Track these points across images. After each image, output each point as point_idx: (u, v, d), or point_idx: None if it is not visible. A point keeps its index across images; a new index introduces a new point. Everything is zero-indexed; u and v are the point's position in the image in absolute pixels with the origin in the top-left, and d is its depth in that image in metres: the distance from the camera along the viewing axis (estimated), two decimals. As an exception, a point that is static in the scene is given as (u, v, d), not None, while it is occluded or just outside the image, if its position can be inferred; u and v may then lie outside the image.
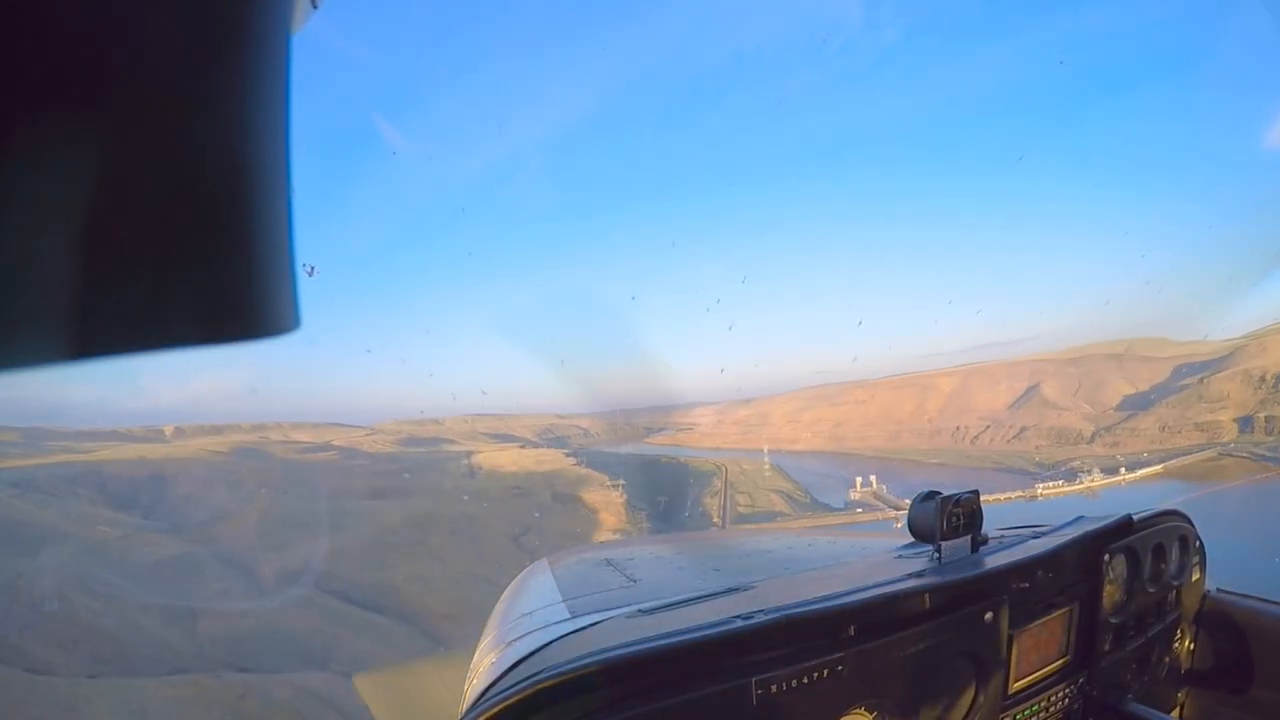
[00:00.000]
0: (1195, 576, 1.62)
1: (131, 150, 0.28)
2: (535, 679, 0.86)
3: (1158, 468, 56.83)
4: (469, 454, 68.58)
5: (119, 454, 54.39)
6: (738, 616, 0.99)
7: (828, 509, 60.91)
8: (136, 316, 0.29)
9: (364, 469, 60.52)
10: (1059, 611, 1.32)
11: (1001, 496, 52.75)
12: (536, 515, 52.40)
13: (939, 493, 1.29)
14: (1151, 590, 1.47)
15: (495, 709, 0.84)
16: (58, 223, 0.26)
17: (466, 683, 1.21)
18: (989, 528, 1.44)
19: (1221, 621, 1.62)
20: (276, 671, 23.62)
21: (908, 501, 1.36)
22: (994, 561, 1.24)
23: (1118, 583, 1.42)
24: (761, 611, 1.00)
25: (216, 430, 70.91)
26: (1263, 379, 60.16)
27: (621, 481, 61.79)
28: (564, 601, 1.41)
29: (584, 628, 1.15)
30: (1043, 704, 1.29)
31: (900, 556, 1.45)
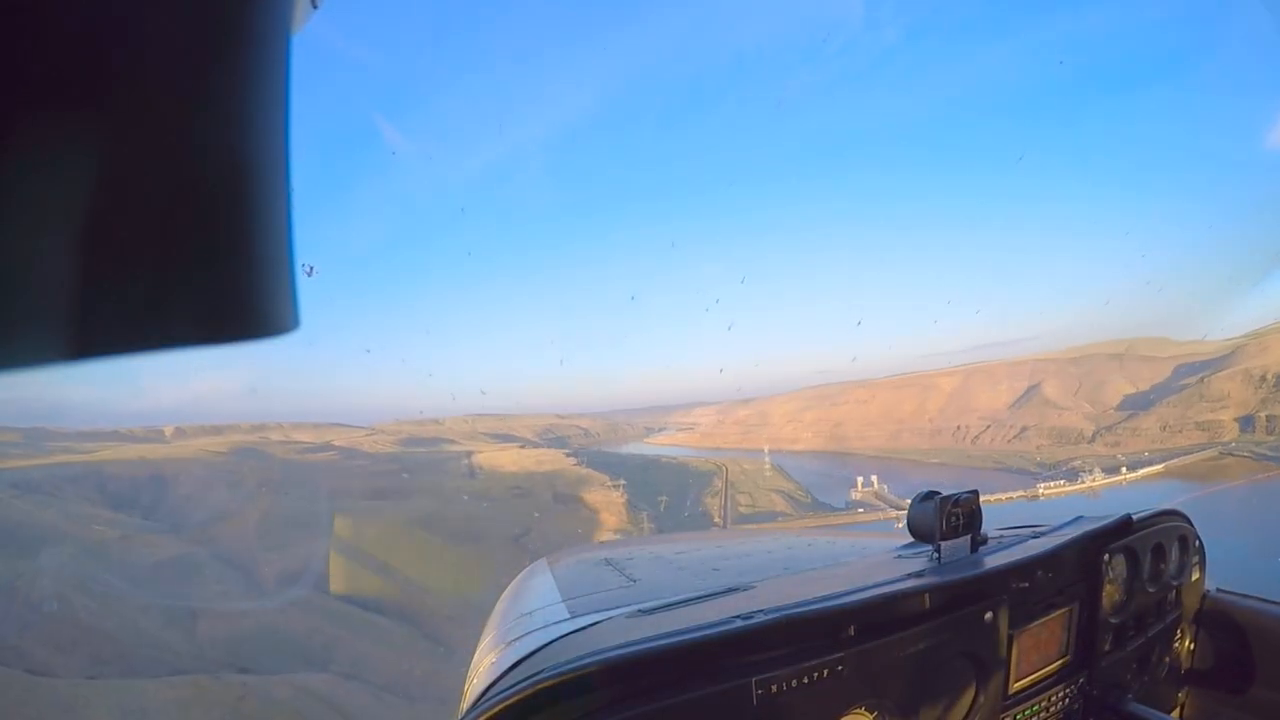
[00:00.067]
0: (1195, 576, 1.62)
1: (131, 150, 0.28)
2: (535, 679, 0.86)
3: (1159, 467, 56.84)
4: (469, 454, 68.63)
5: (119, 454, 54.43)
6: (738, 616, 0.99)
7: (829, 509, 60.94)
8: (136, 316, 0.29)
9: (364, 469, 60.54)
10: (1059, 611, 1.32)
11: (1003, 496, 52.76)
12: (536, 515, 52.41)
13: (938, 493, 1.29)
14: (1151, 590, 1.47)
15: (495, 709, 0.84)
16: (58, 223, 0.26)
17: (466, 683, 1.21)
18: (990, 528, 1.44)
19: (1221, 621, 1.62)
20: (276, 672, 23.64)
21: (909, 501, 1.36)
22: (994, 561, 1.24)
23: (1117, 583, 1.42)
24: (761, 611, 1.00)
25: (217, 430, 71.00)
26: (1264, 378, 60.14)
27: (622, 481, 61.82)
28: (564, 601, 1.41)
29: (584, 628, 1.15)
30: (1043, 704, 1.29)
31: (900, 556, 1.45)
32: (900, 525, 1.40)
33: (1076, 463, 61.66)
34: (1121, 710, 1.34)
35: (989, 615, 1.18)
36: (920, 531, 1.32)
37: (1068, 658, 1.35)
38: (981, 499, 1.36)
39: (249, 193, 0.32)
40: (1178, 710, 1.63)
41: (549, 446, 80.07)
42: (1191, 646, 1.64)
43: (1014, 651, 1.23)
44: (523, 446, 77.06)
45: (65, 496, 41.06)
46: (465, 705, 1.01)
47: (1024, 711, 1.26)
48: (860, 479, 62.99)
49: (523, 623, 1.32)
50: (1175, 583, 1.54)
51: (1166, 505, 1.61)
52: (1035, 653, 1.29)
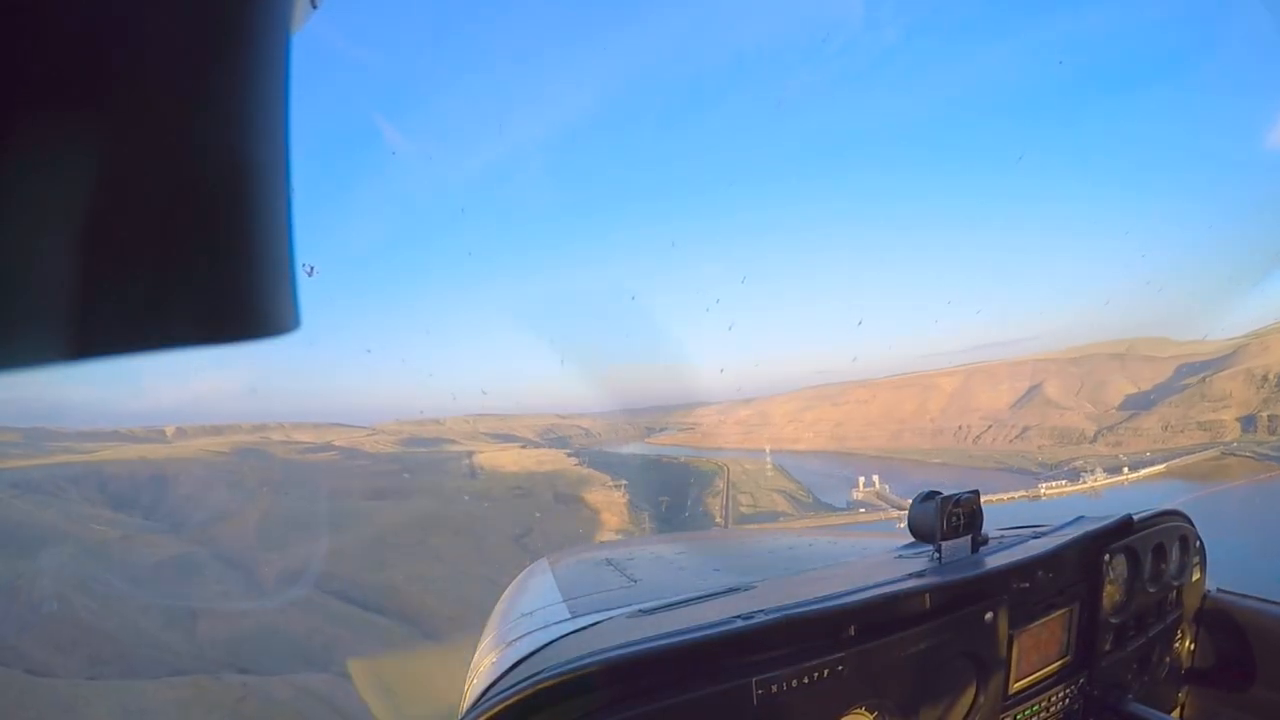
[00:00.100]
0: (1195, 576, 1.62)
1: (131, 150, 0.28)
2: (535, 679, 0.86)
3: (1161, 467, 56.73)
4: (470, 454, 68.65)
5: (119, 454, 54.49)
6: (738, 616, 0.99)
7: (830, 509, 60.88)
8: (136, 316, 0.29)
9: (365, 469, 60.59)
10: (1059, 612, 1.32)
11: (1004, 496, 52.67)
12: (538, 516, 52.41)
13: (939, 493, 1.29)
14: (1152, 590, 1.47)
15: (495, 709, 0.84)
16: (58, 223, 0.26)
17: (466, 683, 1.21)
18: (991, 528, 1.44)
19: (1222, 621, 1.62)
20: (277, 673, 23.64)
21: (910, 501, 1.36)
22: (994, 561, 1.24)
23: (1118, 583, 1.42)
24: (762, 611, 1.00)
25: (217, 430, 71.02)
26: (1265, 378, 60.05)
27: (623, 482, 61.81)
28: (564, 601, 1.41)
29: (584, 628, 1.15)
30: (1043, 704, 1.29)
31: (900, 556, 1.45)
32: (902, 525, 1.40)
33: (1078, 463, 61.56)
34: (1122, 710, 1.34)
35: (989, 615, 1.18)
36: (921, 531, 1.32)
37: (1068, 658, 1.34)
38: (983, 499, 1.36)
39: (249, 193, 0.32)
40: (1178, 710, 1.63)
41: (550, 446, 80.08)
42: (1192, 646, 1.63)
43: (1014, 651, 1.23)
44: (524, 446, 77.08)
45: (65, 496, 41.11)
46: (465, 705, 1.01)
47: (1024, 711, 1.26)
48: (862, 479, 62.92)
49: (523, 623, 1.32)
50: (1176, 583, 1.54)
51: (1167, 505, 1.60)
52: (1035, 653, 1.29)
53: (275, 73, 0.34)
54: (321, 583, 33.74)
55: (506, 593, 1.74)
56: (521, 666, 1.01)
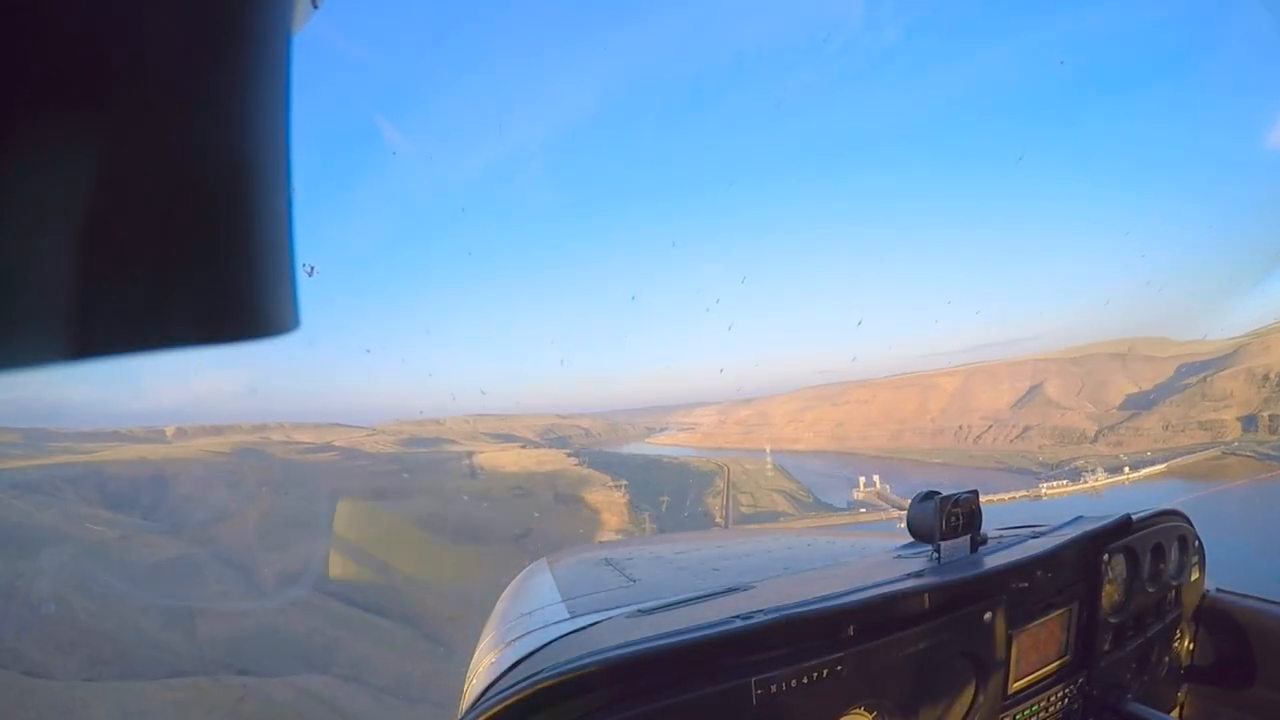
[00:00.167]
0: (1194, 576, 1.62)
1: (131, 150, 0.28)
2: (535, 679, 0.86)
3: (1161, 467, 56.72)
4: (470, 454, 68.64)
5: (119, 455, 54.49)
6: (737, 616, 0.99)
7: (831, 509, 60.88)
8: (136, 316, 0.29)
9: (365, 469, 60.58)
10: (1058, 611, 1.32)
11: (1005, 496, 52.65)
12: (537, 515, 52.40)
13: (938, 492, 1.29)
14: (1151, 590, 1.47)
15: (495, 709, 0.84)
16: (58, 223, 0.26)
17: (466, 683, 1.21)
18: (992, 527, 1.44)
19: (1221, 621, 1.62)
20: (276, 674, 23.62)
21: (910, 501, 1.36)
22: (993, 561, 1.24)
23: (1117, 582, 1.42)
24: (761, 611, 1.00)
25: (217, 431, 71.06)
26: (1266, 377, 60.03)
27: (624, 482, 61.80)
28: (564, 601, 1.41)
29: (584, 628, 1.15)
30: (1042, 704, 1.29)
31: (899, 556, 1.45)
32: (902, 525, 1.40)
33: (1079, 462, 61.55)
34: (1121, 710, 1.34)
35: (989, 615, 1.18)
36: (920, 531, 1.32)
37: (1067, 658, 1.34)
38: (984, 499, 1.36)
39: (249, 193, 0.32)
40: (1177, 710, 1.63)
41: (550, 446, 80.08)
42: (1191, 646, 1.63)
43: (1014, 651, 1.23)
44: (524, 446, 77.07)
45: (65, 497, 41.11)
46: (465, 705, 1.01)
47: (1024, 711, 1.26)
48: (862, 479, 62.92)
49: (523, 623, 1.32)
50: (1175, 582, 1.54)
51: (1166, 505, 1.60)
52: (1035, 652, 1.29)
53: (276, 73, 0.34)
54: (321, 583, 33.73)
55: (506, 593, 1.74)
56: (521, 666, 1.01)
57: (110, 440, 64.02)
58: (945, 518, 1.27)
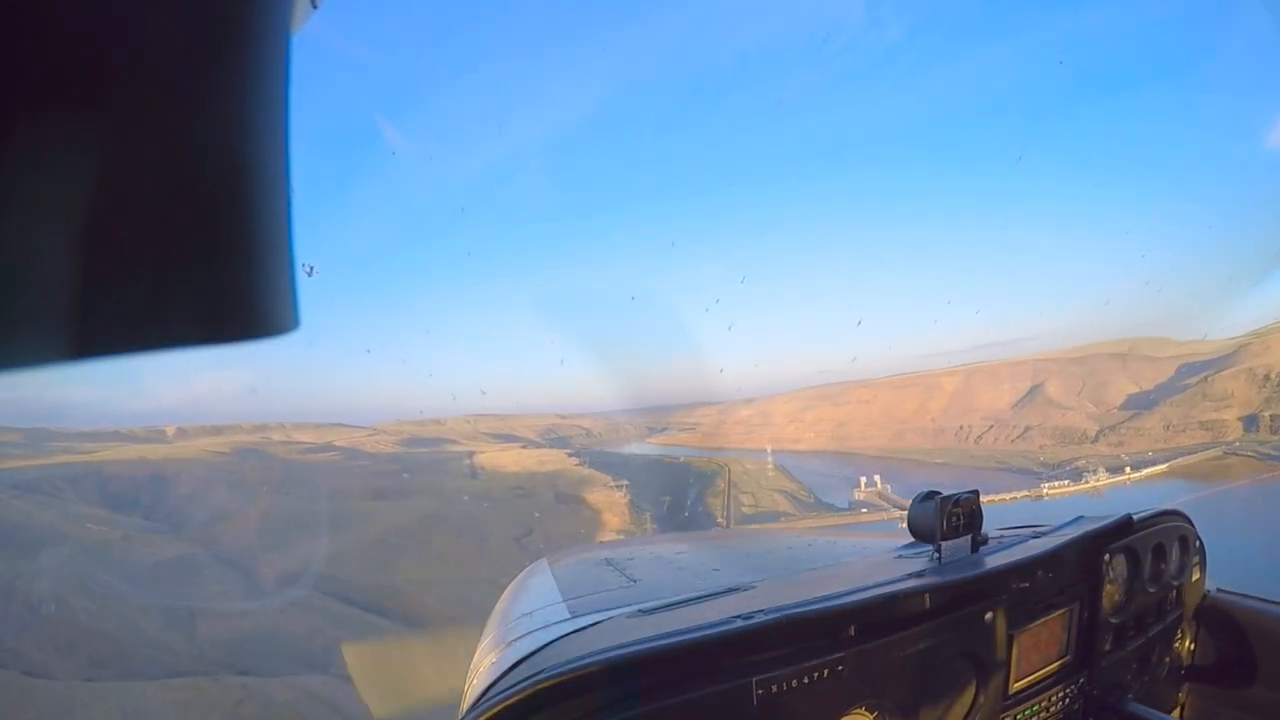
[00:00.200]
0: (1195, 576, 1.62)
1: (131, 150, 0.28)
2: (535, 679, 0.86)
3: (1163, 467, 56.64)
4: (471, 454, 68.66)
5: (120, 454, 54.54)
6: (738, 616, 0.99)
7: (832, 509, 60.82)
8: (136, 316, 0.29)
9: (365, 469, 60.61)
10: (1059, 611, 1.32)
11: (1007, 496, 52.58)
12: (537, 516, 52.40)
13: (939, 492, 1.29)
14: (1151, 590, 1.47)
15: (495, 709, 0.84)
16: (58, 223, 0.26)
17: (466, 683, 1.21)
18: (993, 527, 1.44)
19: (1222, 621, 1.62)
20: (276, 674, 23.61)
21: (911, 502, 1.36)
22: (994, 561, 1.24)
23: (1118, 582, 1.42)
24: (761, 611, 1.00)
25: (218, 430, 71.05)
26: (1267, 377, 59.95)
27: (625, 482, 61.79)
28: (564, 601, 1.41)
29: (584, 628, 1.15)
30: (1043, 704, 1.28)
31: (900, 556, 1.45)
32: (903, 525, 1.40)
33: (1080, 462, 61.47)
34: (1121, 710, 1.34)
35: (989, 615, 1.18)
36: (920, 531, 1.32)
37: (1068, 658, 1.34)
38: (985, 499, 1.36)
39: (249, 193, 0.32)
40: (1178, 710, 1.63)
41: (551, 446, 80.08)
42: (1192, 646, 1.63)
43: (1014, 651, 1.23)
44: (524, 446, 77.07)
45: (65, 497, 41.12)
46: (465, 705, 1.01)
47: (1024, 711, 1.26)
48: (863, 479, 62.84)
49: (523, 623, 1.32)
50: (1176, 583, 1.54)
51: (1167, 505, 1.60)
52: (1035, 653, 1.29)
53: (275, 73, 0.34)
54: (321, 584, 33.74)
55: (506, 593, 1.74)
56: (521, 666, 1.01)
57: (111, 440, 64.06)
58: (946, 518, 1.27)
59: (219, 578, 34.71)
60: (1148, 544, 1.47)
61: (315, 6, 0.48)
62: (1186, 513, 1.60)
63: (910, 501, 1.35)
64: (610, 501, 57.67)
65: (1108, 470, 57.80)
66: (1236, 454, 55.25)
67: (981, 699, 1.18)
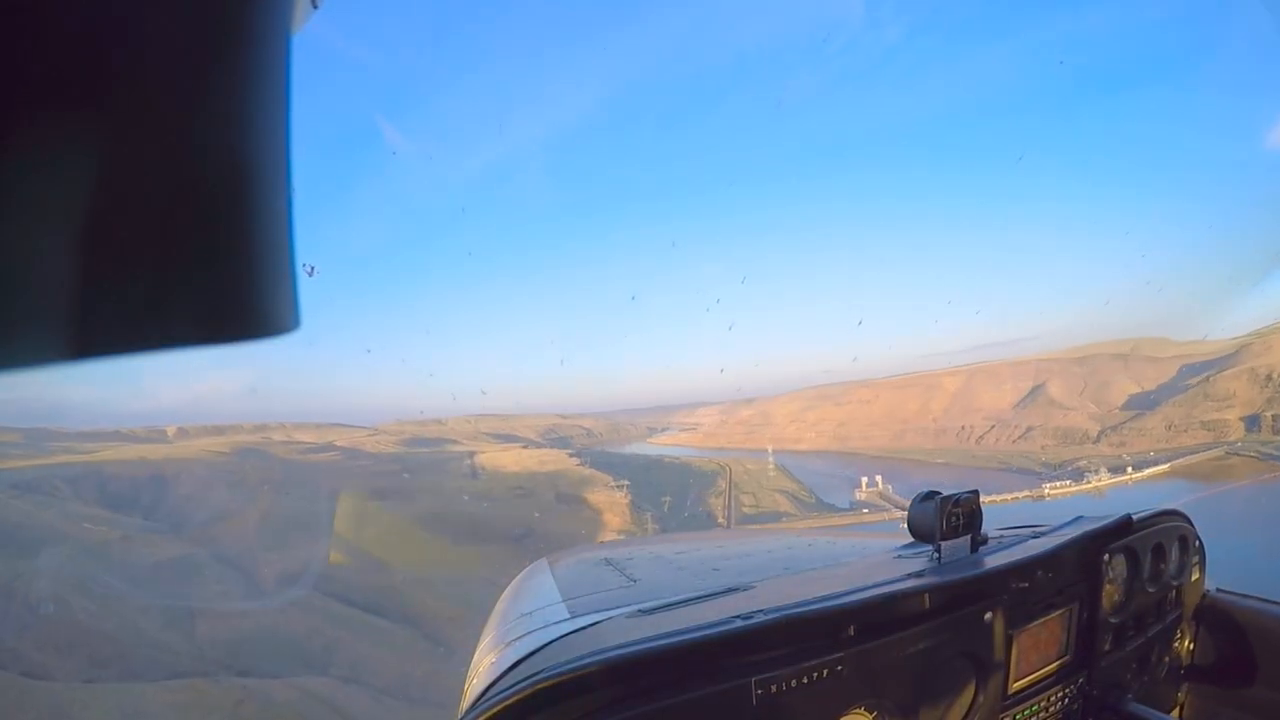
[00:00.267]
0: (1195, 576, 1.62)
1: (131, 150, 0.28)
2: (535, 679, 0.86)
3: (1164, 467, 56.61)
4: (471, 454, 68.71)
5: (120, 454, 54.59)
6: (737, 616, 0.99)
7: (833, 509, 60.83)
8: (136, 316, 0.29)
9: (366, 469, 60.67)
10: (1058, 611, 1.32)
11: (1008, 496, 52.58)
12: (537, 516, 52.40)
13: (938, 493, 1.29)
14: (1151, 590, 1.47)
15: (495, 709, 0.84)
16: (58, 223, 0.26)
17: (466, 683, 1.21)
18: (993, 527, 1.44)
19: (1222, 621, 1.62)
20: (276, 675, 23.62)
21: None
22: (993, 561, 1.24)
23: (1117, 583, 1.42)
24: (761, 611, 1.00)
25: (218, 431, 71.16)
26: (1269, 377, 59.89)
27: (625, 482, 61.82)
28: (564, 601, 1.41)
29: (584, 628, 1.15)
30: (1042, 704, 1.28)
31: (900, 556, 1.45)
32: (904, 526, 1.40)
33: (1082, 463, 61.47)
34: (1121, 710, 1.33)
35: (989, 615, 1.18)
36: (920, 531, 1.31)
37: (1067, 658, 1.34)
38: (987, 499, 1.37)
39: (249, 193, 0.32)
40: (1177, 710, 1.63)
41: (551, 446, 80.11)
42: (1191, 646, 1.63)
43: (1014, 651, 1.23)
44: (525, 446, 77.10)
45: (65, 497, 41.18)
46: (465, 705, 1.01)
47: (1024, 711, 1.26)
48: (865, 479, 62.85)
49: (523, 623, 1.32)
50: (1175, 582, 1.54)
51: (1167, 505, 1.60)
52: (1035, 653, 1.28)
53: (275, 73, 0.34)
54: (321, 584, 33.74)
55: (506, 593, 1.74)
56: (521, 666, 1.01)
57: (111, 440, 64.15)
58: (945, 518, 1.27)
59: (219, 578, 34.73)
60: (1147, 544, 1.47)
61: (315, 6, 0.48)
62: (1187, 513, 1.61)
63: (911, 501, 1.35)
64: (611, 501, 57.67)
65: (1109, 470, 57.77)
66: (1238, 454, 55.19)
67: (981, 699, 1.18)
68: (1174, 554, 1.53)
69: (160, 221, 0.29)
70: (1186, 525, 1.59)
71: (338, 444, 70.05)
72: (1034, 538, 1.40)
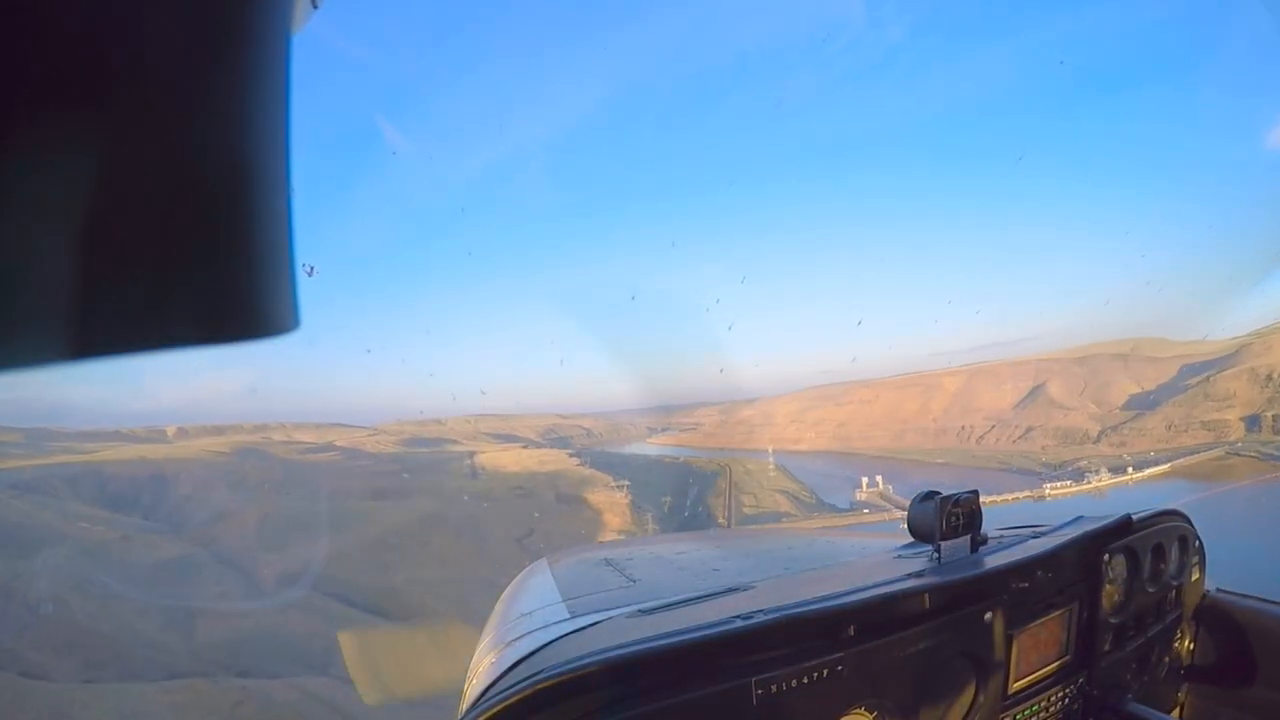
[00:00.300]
0: (1195, 576, 1.62)
1: (131, 150, 0.28)
2: (535, 679, 0.86)
3: (1165, 467, 56.57)
4: (471, 454, 68.68)
5: (120, 454, 54.59)
6: (737, 616, 0.99)
7: (833, 509, 60.79)
8: (136, 316, 0.29)
9: (365, 469, 60.64)
10: (1058, 611, 1.31)
11: (1009, 496, 52.53)
12: (537, 516, 52.40)
13: (938, 493, 1.29)
14: (1151, 590, 1.47)
15: (495, 709, 0.84)
16: (58, 223, 0.26)
17: (466, 683, 1.21)
18: (993, 528, 1.44)
19: (1222, 621, 1.62)
20: (275, 675, 23.59)
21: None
22: (993, 561, 1.24)
23: (1117, 583, 1.42)
24: (761, 611, 1.00)
25: (218, 431, 71.09)
26: (1269, 377, 59.86)
27: (625, 482, 61.77)
28: (564, 601, 1.41)
29: (584, 628, 1.15)
30: (1042, 704, 1.28)
31: (900, 556, 1.45)
32: (904, 526, 1.40)
33: (1082, 463, 61.43)
34: (1121, 710, 1.33)
35: (988, 615, 1.18)
36: (920, 531, 1.31)
37: (1067, 658, 1.34)
38: (987, 499, 1.37)
39: (249, 193, 0.32)
40: (1178, 710, 1.63)
41: (551, 446, 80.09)
42: (1191, 646, 1.63)
43: (1014, 651, 1.23)
44: (525, 446, 77.07)
45: (65, 497, 41.16)
46: (465, 705, 1.01)
47: (1024, 711, 1.26)
48: (865, 479, 62.80)
49: (523, 623, 1.32)
50: (1175, 583, 1.54)
51: (1168, 505, 1.60)
52: (1035, 653, 1.28)
53: (275, 73, 0.34)
54: (321, 584, 33.73)
55: (506, 593, 1.73)
56: (521, 666, 1.01)
57: (111, 440, 64.10)
58: (945, 518, 1.27)
59: (218, 578, 34.72)
60: (1147, 544, 1.47)
61: (315, 6, 0.48)
62: (1187, 513, 1.61)
63: (911, 502, 1.35)
64: (611, 502, 57.65)
65: (1110, 471, 57.74)
66: (1239, 454, 55.16)
67: (981, 699, 1.18)
68: (1174, 554, 1.53)
69: (160, 221, 0.29)
70: (1186, 525, 1.59)
71: (338, 444, 70.02)
72: (1034, 538, 1.41)
